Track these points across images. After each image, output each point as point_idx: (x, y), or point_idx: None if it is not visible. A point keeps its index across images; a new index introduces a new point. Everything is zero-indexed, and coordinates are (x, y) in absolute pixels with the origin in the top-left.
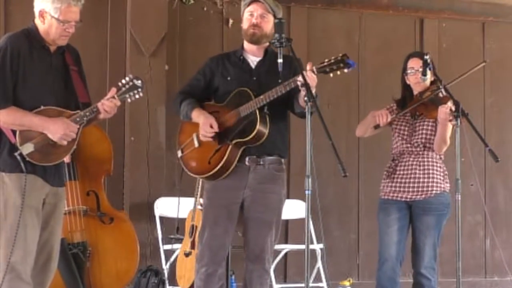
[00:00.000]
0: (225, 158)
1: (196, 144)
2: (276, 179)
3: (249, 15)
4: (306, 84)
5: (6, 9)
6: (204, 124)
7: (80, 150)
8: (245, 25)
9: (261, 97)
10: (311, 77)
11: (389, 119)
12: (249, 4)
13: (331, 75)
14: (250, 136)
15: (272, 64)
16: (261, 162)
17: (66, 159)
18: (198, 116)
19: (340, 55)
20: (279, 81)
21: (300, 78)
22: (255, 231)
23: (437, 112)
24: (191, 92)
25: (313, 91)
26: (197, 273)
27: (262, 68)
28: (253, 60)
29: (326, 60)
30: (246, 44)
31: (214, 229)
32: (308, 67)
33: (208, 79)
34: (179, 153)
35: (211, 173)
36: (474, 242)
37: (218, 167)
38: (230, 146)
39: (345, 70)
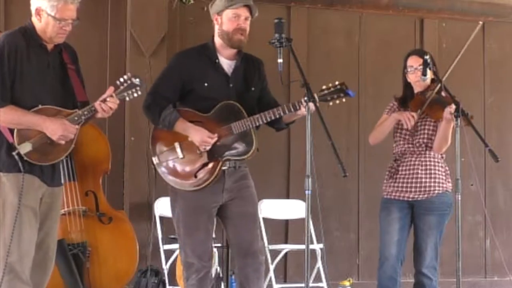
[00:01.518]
0: (215, 174)
1: (179, 154)
2: (245, 174)
3: (235, 17)
4: (306, 84)
5: (6, 9)
6: (204, 141)
7: (78, 151)
8: (228, 27)
9: (257, 116)
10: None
11: (416, 118)
12: (237, 7)
13: (331, 103)
14: (247, 155)
15: (247, 70)
16: (233, 165)
17: None
18: (186, 129)
19: (338, 83)
20: (252, 88)
21: (303, 108)
22: (241, 226)
23: (442, 112)
24: (165, 95)
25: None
26: (186, 280)
27: (238, 75)
28: (228, 64)
29: (325, 87)
30: (222, 46)
31: (197, 235)
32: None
33: (183, 81)
34: (156, 160)
35: (199, 187)
36: (474, 242)
37: (208, 182)
38: (221, 162)
39: (344, 100)
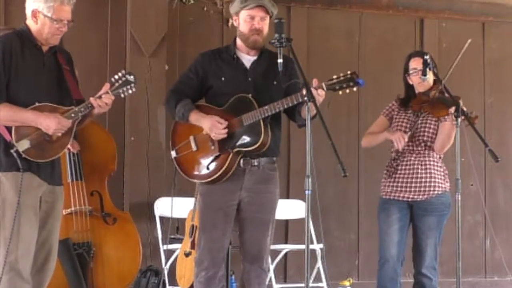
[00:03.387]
0: (225, 166)
1: (194, 147)
2: (270, 179)
3: (250, 18)
4: (306, 84)
5: (6, 9)
6: (214, 126)
7: (85, 151)
8: (244, 28)
9: (266, 107)
10: (320, 94)
11: (406, 140)
12: (250, 8)
13: (340, 92)
14: (255, 147)
15: (267, 65)
16: (256, 163)
17: (73, 148)
18: (198, 119)
19: (349, 72)
20: (274, 82)
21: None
22: (252, 231)
23: (445, 111)
24: (184, 92)
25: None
26: (196, 277)
27: (257, 69)
28: (248, 59)
29: (335, 77)
30: (241, 43)
31: (213, 232)
32: (314, 84)
33: (201, 78)
34: (173, 154)
35: (210, 179)
36: (474, 242)
37: (218, 174)
38: (231, 154)
39: (354, 89)
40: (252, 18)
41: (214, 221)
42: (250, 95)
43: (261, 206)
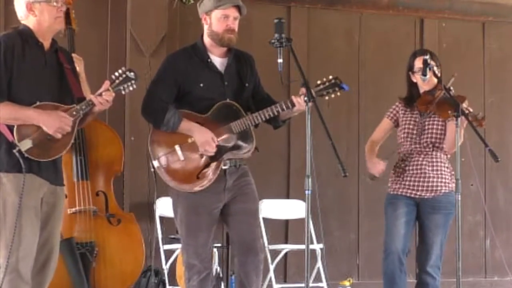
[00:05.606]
0: (217, 173)
1: (181, 157)
2: (246, 171)
3: (224, 18)
4: (306, 84)
5: (6, 9)
6: (208, 143)
7: (92, 150)
8: (217, 27)
9: (256, 115)
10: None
11: (383, 169)
12: (225, 7)
13: (327, 98)
14: (250, 153)
15: (239, 66)
16: (233, 164)
17: None
18: (190, 130)
19: (332, 77)
20: (246, 84)
21: (299, 99)
22: (242, 222)
23: (451, 111)
24: (166, 99)
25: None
26: (188, 281)
27: (230, 72)
28: (220, 62)
29: (320, 82)
30: (212, 45)
31: (199, 236)
32: (301, 92)
33: (178, 84)
34: (156, 164)
35: (203, 188)
36: (474, 242)
37: (211, 182)
38: (222, 161)
39: (338, 94)
40: (227, 17)
41: (201, 225)
42: (234, 102)
43: (246, 196)
